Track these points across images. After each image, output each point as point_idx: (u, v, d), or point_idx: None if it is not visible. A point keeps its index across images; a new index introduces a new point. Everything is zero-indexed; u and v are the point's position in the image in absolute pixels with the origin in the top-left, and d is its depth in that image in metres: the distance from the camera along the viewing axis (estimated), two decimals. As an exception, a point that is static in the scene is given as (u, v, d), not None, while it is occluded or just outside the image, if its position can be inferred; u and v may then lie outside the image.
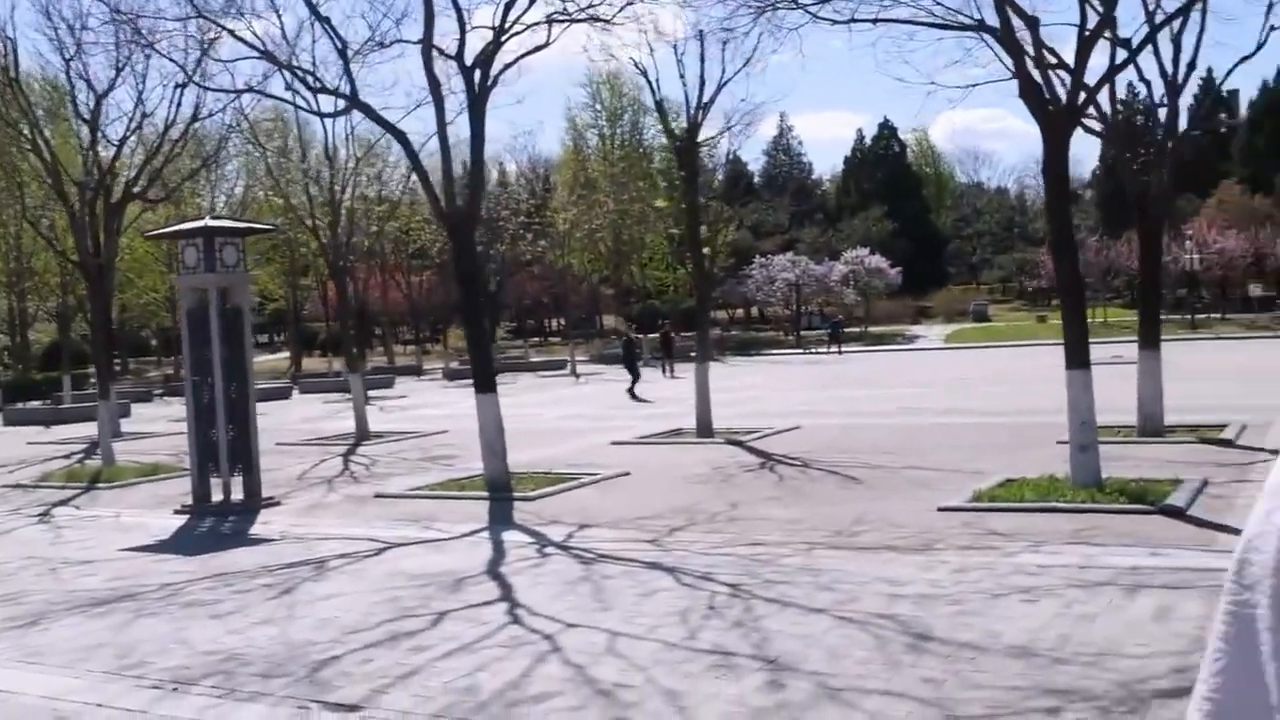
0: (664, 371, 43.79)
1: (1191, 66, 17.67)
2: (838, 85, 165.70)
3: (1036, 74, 13.41)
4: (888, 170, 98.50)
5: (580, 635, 8.25)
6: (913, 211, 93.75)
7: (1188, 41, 18.24)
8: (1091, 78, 14.13)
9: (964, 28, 14.32)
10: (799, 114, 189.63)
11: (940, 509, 12.63)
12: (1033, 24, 13.10)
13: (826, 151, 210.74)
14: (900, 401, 27.07)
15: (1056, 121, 13.11)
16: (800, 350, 61.09)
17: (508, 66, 16.42)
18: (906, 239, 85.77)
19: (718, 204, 67.68)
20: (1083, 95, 13.69)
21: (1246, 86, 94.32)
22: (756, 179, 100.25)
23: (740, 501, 13.96)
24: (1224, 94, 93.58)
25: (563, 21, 16.64)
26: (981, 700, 6.43)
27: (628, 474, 16.60)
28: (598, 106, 78.65)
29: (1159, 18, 16.64)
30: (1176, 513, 11.71)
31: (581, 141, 79.84)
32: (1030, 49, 13.24)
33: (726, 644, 7.84)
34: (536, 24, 16.56)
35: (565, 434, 23.18)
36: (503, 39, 16.26)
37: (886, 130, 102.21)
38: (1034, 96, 13.03)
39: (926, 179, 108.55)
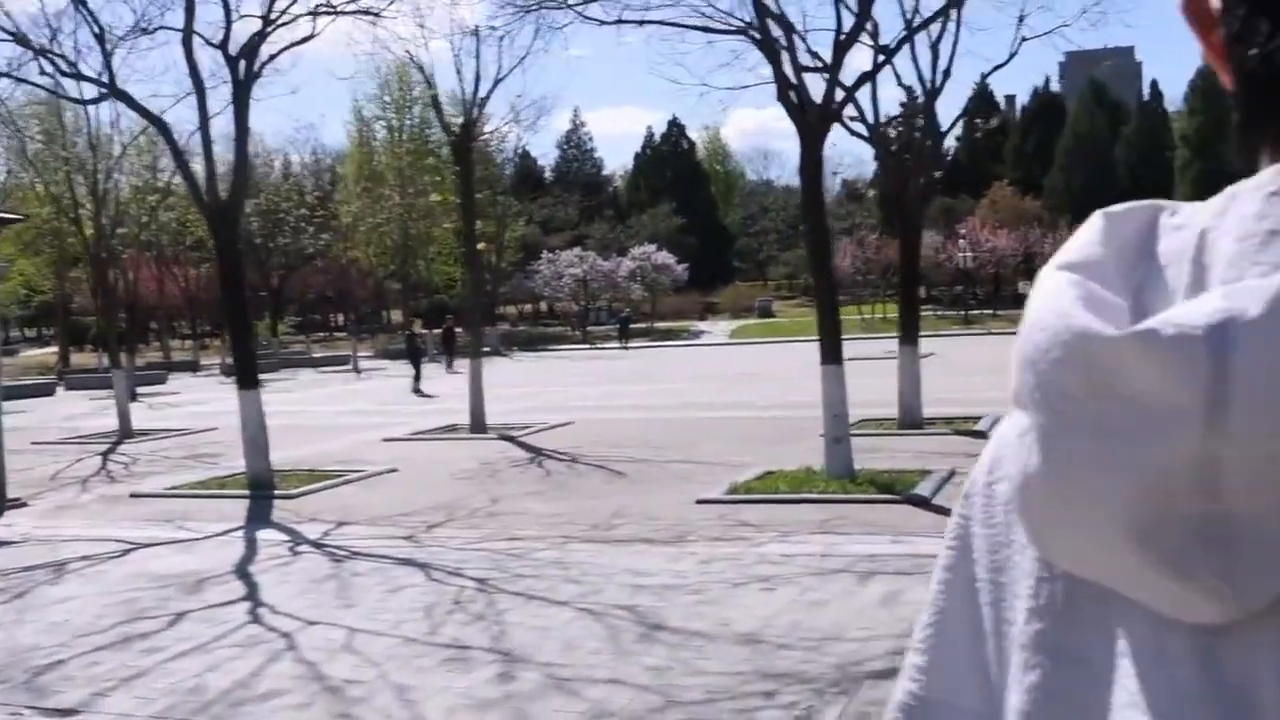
0: (447, 367, 43.51)
1: (947, 73, 18.36)
2: (631, 82, 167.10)
3: (796, 77, 13.78)
4: (677, 167, 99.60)
5: (318, 633, 8.17)
6: (701, 208, 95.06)
7: (947, 50, 18.95)
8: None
9: (727, 31, 14.62)
10: (593, 110, 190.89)
11: (698, 501, 12.88)
12: (788, 28, 13.46)
13: (620, 147, 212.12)
14: (678, 396, 27.47)
15: (811, 124, 13.47)
16: (587, 346, 61.37)
17: (274, 57, 16.15)
18: (695, 236, 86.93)
19: (506, 198, 67.53)
20: (840, 97, 14.09)
21: (1023, 92, 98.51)
22: (548, 174, 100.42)
23: (503, 497, 13.99)
24: (995, 99, 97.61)
25: (329, 14, 16.40)
26: (702, 686, 6.59)
27: (395, 470, 16.46)
28: (386, 98, 77.51)
29: (917, 24, 17.26)
30: (921, 501, 12.20)
31: (369, 133, 78.55)
32: (787, 53, 13.56)
33: (465, 638, 7.87)
34: (303, 15, 16.31)
35: (338, 430, 22.84)
36: (269, 29, 15.97)
37: (676, 128, 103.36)
38: (789, 99, 13.37)
39: (716, 176, 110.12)
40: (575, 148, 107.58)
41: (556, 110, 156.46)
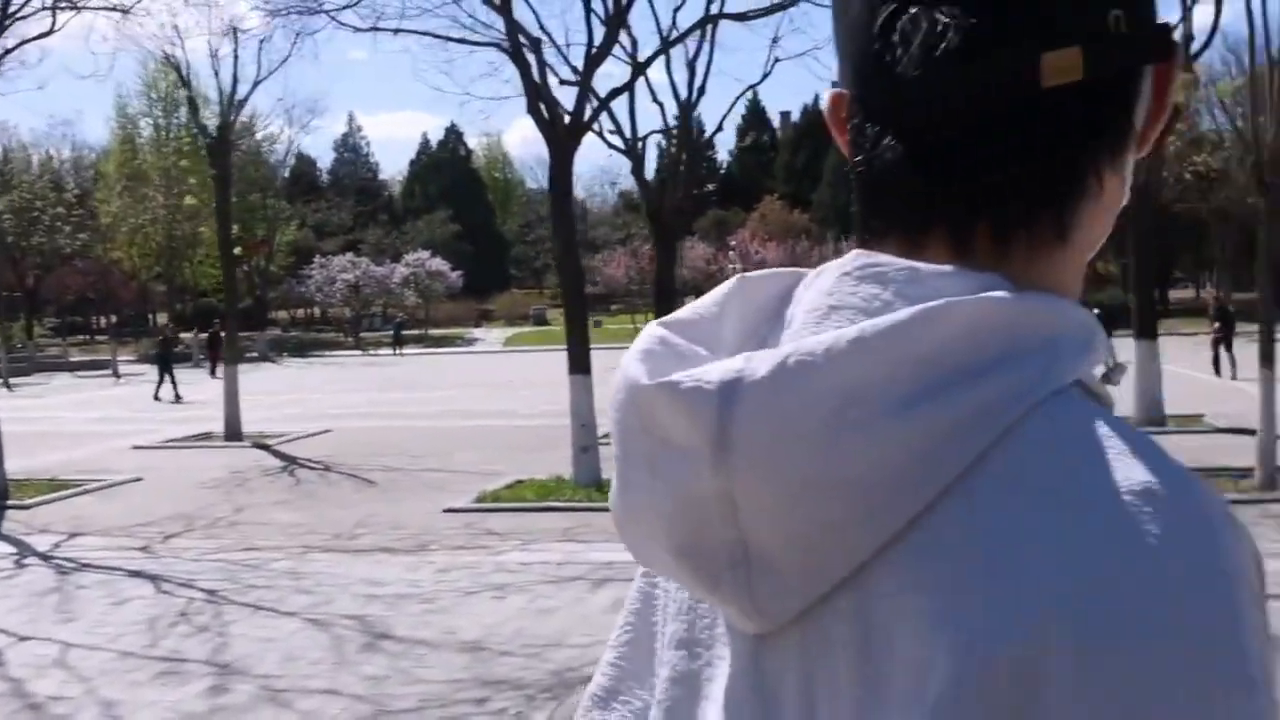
0: (211, 372, 42.32)
1: (702, 90, 18.77)
2: (411, 87, 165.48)
3: (546, 90, 13.95)
4: (454, 174, 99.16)
5: (30, 649, 7.94)
6: (479, 215, 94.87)
7: (703, 67, 19.38)
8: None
9: (481, 43, 14.70)
10: (373, 114, 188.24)
11: (445, 510, 12.92)
12: (535, 44, 13.60)
13: (401, 152, 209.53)
14: (443, 404, 27.38)
15: (560, 136, 13.65)
16: (360, 352, 60.54)
17: (9, 51, 15.55)
18: (471, 243, 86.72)
19: (277, 201, 66.09)
20: (590, 112, 14.30)
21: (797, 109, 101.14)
22: (325, 178, 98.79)
23: (248, 506, 13.77)
24: (768, 116, 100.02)
25: (70, 9, 15.88)
26: (417, 694, 6.66)
27: (140, 479, 16.01)
28: (153, 95, 75.06)
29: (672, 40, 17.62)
30: (663, 509, 12.46)
31: (134, 130, 76.00)
32: (537, 66, 13.72)
33: (184, 650, 7.76)
34: (42, 10, 15.74)
35: (88, 437, 22.05)
36: (7, 21, 15.38)
37: (454, 134, 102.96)
38: (538, 112, 13.53)
39: (495, 184, 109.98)
40: (351, 151, 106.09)
41: (332, 113, 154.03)
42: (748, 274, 0.89)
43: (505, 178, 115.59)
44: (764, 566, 0.76)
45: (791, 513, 0.73)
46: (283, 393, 31.82)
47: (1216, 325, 28.74)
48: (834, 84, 0.90)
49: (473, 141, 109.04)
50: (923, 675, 0.69)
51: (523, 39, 13.55)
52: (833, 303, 0.80)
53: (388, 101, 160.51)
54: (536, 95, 13.59)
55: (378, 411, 26.28)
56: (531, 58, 13.48)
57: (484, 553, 10.77)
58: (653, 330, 0.85)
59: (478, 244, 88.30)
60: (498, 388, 32.43)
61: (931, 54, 0.79)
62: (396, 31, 15.11)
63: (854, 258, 0.81)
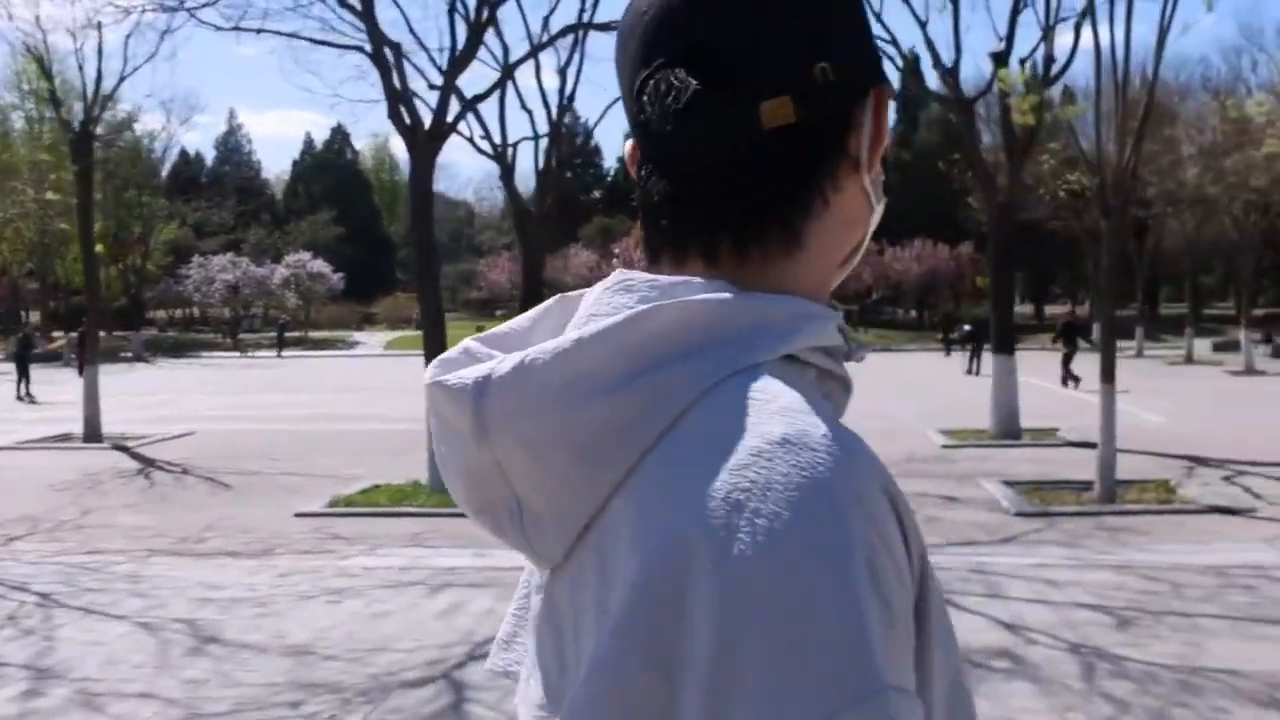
0: (80, 372, 41.40)
1: (571, 98, 18.95)
2: (296, 86, 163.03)
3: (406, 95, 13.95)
4: (339, 174, 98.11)
5: None
6: (363, 217, 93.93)
7: (574, 75, 19.53)
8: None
9: (343, 46, 14.67)
10: (261, 111, 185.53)
11: (296, 515, 12.87)
12: (396, 48, 13.61)
13: (287, 151, 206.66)
14: (316, 407, 27.13)
15: (420, 141, 13.67)
16: (239, 353, 59.66)
17: None
18: (356, 245, 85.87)
19: (153, 198, 64.82)
20: (453, 117, 14.33)
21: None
22: (205, 176, 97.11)
23: (96, 509, 13.58)
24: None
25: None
26: (234, 698, 6.67)
27: (-12, 481, 15.71)
28: (24, 87, 73.13)
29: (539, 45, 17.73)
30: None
31: (6, 123, 74.01)
32: (397, 71, 13.72)
33: (6, 655, 7.67)
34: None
35: (-60, 438, 21.52)
36: None
37: (340, 134, 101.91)
38: (398, 116, 13.54)
39: (382, 185, 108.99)
40: (233, 150, 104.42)
41: (215, 109, 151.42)
42: (567, 294, 1.09)
43: (393, 179, 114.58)
44: (531, 517, 0.96)
45: (538, 471, 0.92)
46: (152, 394, 31.35)
47: (1062, 341, 29.83)
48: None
49: (360, 143, 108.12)
50: (619, 586, 0.86)
51: (385, 42, 13.53)
52: (592, 312, 0.99)
53: (276, 100, 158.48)
54: (397, 99, 13.60)
55: (247, 414, 25.97)
56: (393, 62, 13.47)
57: (330, 557, 10.76)
58: (464, 342, 1.05)
59: (363, 246, 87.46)
60: (372, 391, 32.19)
61: (669, 111, 0.99)
62: (259, 31, 15.02)
63: (616, 275, 1.01)
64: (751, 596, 0.79)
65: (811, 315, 0.98)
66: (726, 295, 0.94)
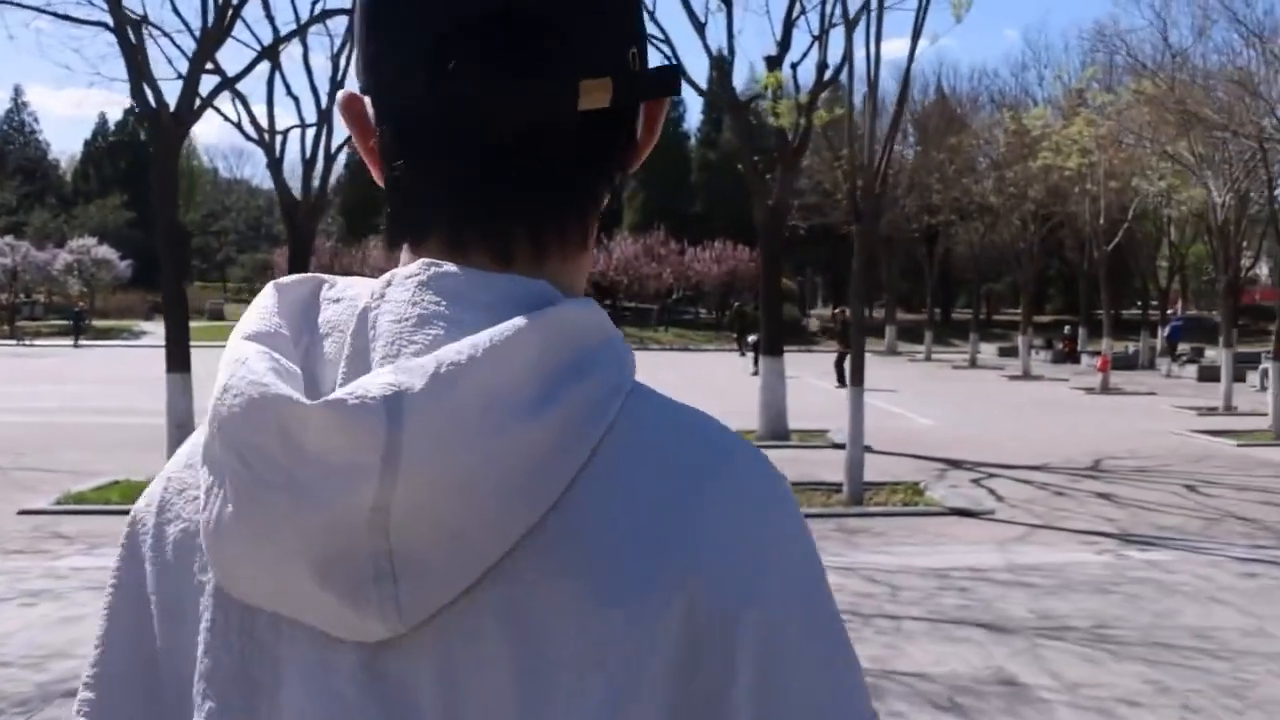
0: None
1: (340, 85, 18.45)
2: (93, 65, 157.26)
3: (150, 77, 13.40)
4: (133, 158, 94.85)
5: None
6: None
7: (346, 62, 19.05)
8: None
9: (85, 21, 14.02)
10: (58, 89, 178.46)
11: (19, 512, 12.24)
12: (136, 25, 13.06)
13: (80, 132, 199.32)
14: (74, 399, 26.10)
15: (165, 126, 13.14)
16: (15, 342, 57.13)
17: None
18: (149, 231, 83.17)
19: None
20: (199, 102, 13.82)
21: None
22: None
23: None
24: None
25: None
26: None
27: None
28: None
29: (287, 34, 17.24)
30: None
31: None
32: (139, 53, 13.17)
33: None
34: None
35: None
36: None
37: (134, 116, 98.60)
38: (141, 94, 12.98)
39: (180, 171, 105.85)
40: (16, 129, 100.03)
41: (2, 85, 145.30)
42: (281, 280, 0.91)
43: (191, 165, 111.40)
44: (411, 570, 0.78)
45: (449, 511, 0.77)
46: (-94, 382, 29.67)
47: (838, 341, 30.70)
48: (361, 88, 0.92)
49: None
50: (600, 651, 0.78)
51: (126, 20, 12.95)
52: (420, 312, 0.83)
53: (71, 78, 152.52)
54: (140, 77, 13.03)
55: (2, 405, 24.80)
56: (133, 38, 12.91)
57: (43, 557, 10.23)
58: (253, 346, 0.83)
59: (156, 232, 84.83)
60: (145, 384, 31.01)
61: (484, 77, 0.84)
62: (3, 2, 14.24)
63: (424, 266, 0.85)
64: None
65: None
66: (577, 301, 0.86)
